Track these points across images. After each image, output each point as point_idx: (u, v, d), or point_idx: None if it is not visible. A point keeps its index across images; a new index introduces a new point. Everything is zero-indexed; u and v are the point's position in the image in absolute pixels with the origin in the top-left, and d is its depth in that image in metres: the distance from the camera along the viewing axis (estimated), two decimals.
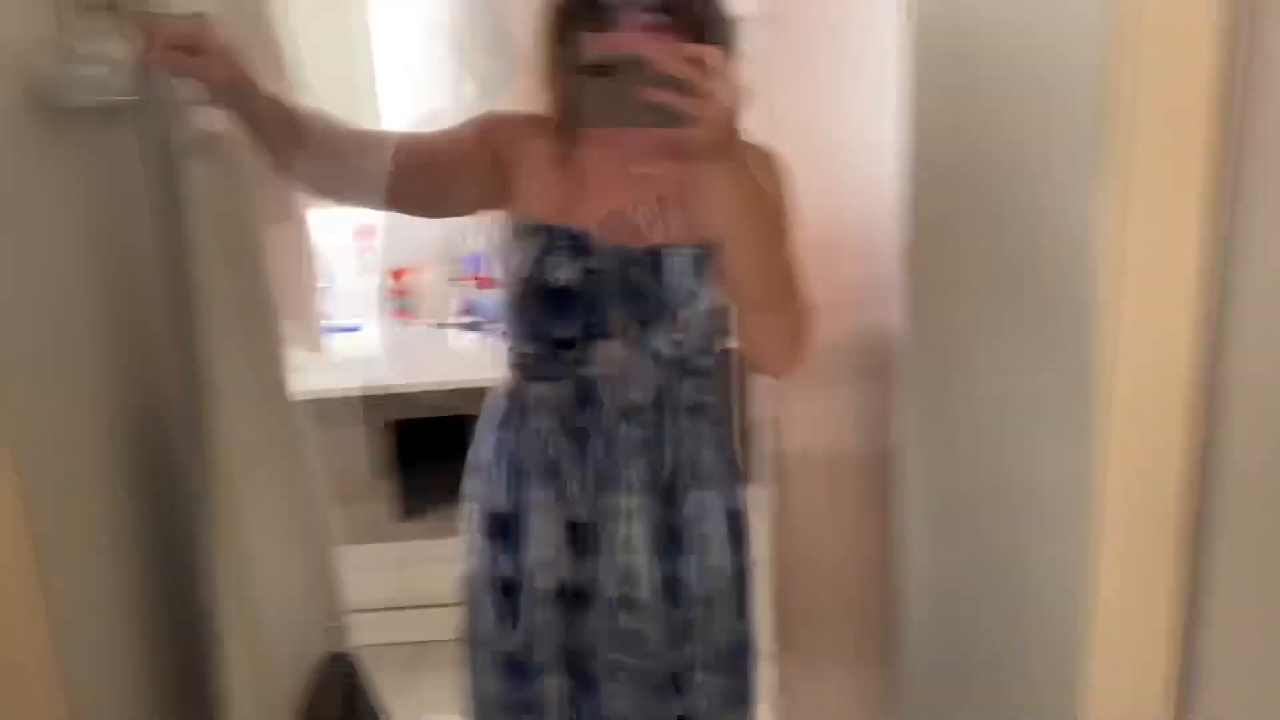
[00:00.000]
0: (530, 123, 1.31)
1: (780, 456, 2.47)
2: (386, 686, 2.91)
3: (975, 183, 1.09)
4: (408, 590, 3.05)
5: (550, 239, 1.26)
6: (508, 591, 1.32)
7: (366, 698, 1.23)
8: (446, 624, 3.05)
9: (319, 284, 1.57)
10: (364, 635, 3.00)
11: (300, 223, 1.42)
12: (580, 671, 1.32)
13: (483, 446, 1.36)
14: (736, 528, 1.35)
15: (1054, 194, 0.88)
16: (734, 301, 1.23)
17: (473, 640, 1.39)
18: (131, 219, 1.07)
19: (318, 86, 1.45)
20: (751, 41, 2.34)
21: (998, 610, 1.12)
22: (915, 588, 1.39)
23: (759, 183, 1.16)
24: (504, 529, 1.32)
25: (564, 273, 1.24)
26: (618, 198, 1.29)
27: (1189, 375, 0.80)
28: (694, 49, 1.06)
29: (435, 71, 2.91)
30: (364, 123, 1.23)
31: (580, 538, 1.29)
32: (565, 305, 1.25)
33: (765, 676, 2.52)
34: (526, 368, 1.31)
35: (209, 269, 1.00)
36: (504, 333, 1.33)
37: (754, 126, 1.14)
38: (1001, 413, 1.06)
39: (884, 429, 1.71)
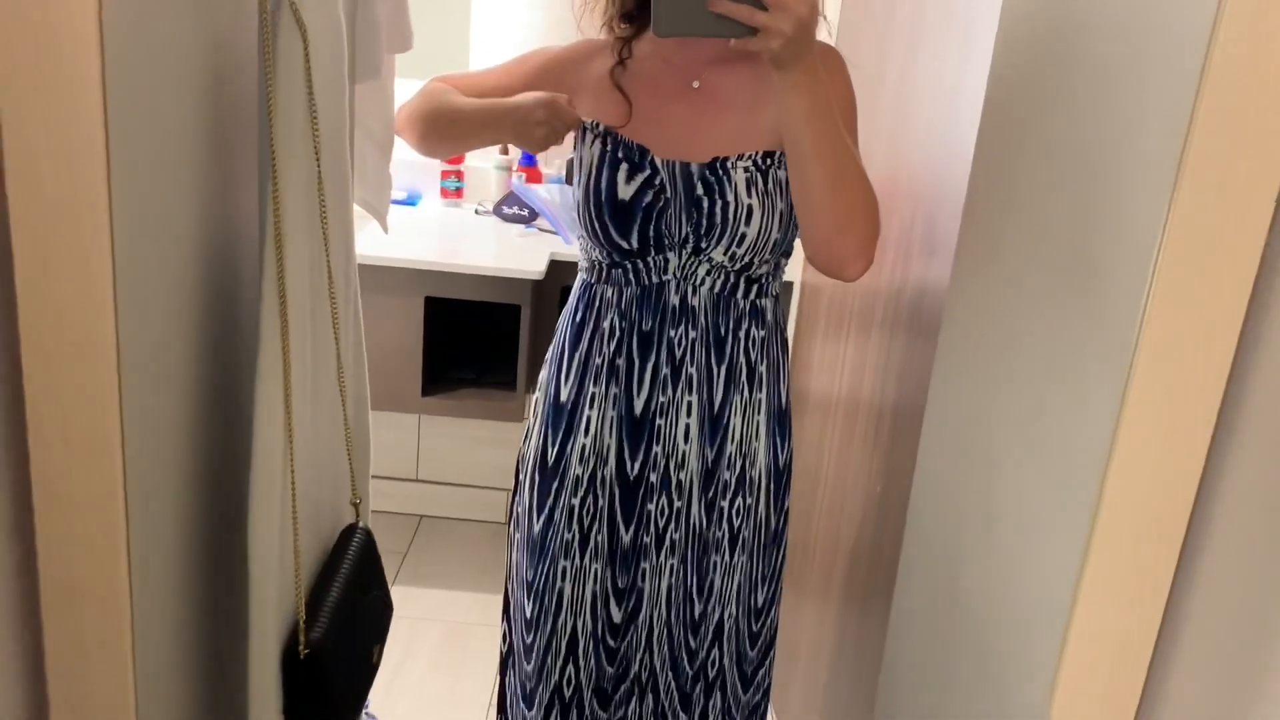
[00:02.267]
0: (583, 49, 1.39)
1: (797, 395, 2.51)
2: (384, 549, 3.00)
3: (1044, 140, 1.09)
4: (414, 463, 3.12)
5: (613, 151, 1.31)
6: (550, 478, 1.41)
7: (378, 573, 1.28)
8: (446, 501, 3.14)
9: (392, 152, 1.59)
10: (371, 500, 3.08)
11: (387, 82, 1.43)
12: (616, 553, 1.41)
13: (558, 342, 1.43)
14: (782, 425, 1.44)
15: (1126, 170, 0.89)
16: (804, 202, 1.28)
17: (515, 520, 1.49)
18: (243, 63, 1.09)
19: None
20: None
21: (987, 570, 1.16)
22: (915, 536, 1.44)
23: (826, 85, 1.20)
24: (558, 419, 1.40)
25: (625, 188, 1.30)
26: (677, 113, 1.34)
27: (1221, 383, 0.81)
28: None
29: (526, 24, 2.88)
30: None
31: (635, 431, 1.37)
32: (627, 218, 1.31)
33: None
34: (597, 271, 1.38)
35: (291, 119, 1.02)
36: (579, 237, 1.40)
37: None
38: (1030, 382, 1.09)
39: (901, 379, 1.74)
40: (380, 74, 1.45)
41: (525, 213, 2.88)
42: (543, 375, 1.46)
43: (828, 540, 2.12)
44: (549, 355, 1.46)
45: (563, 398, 1.40)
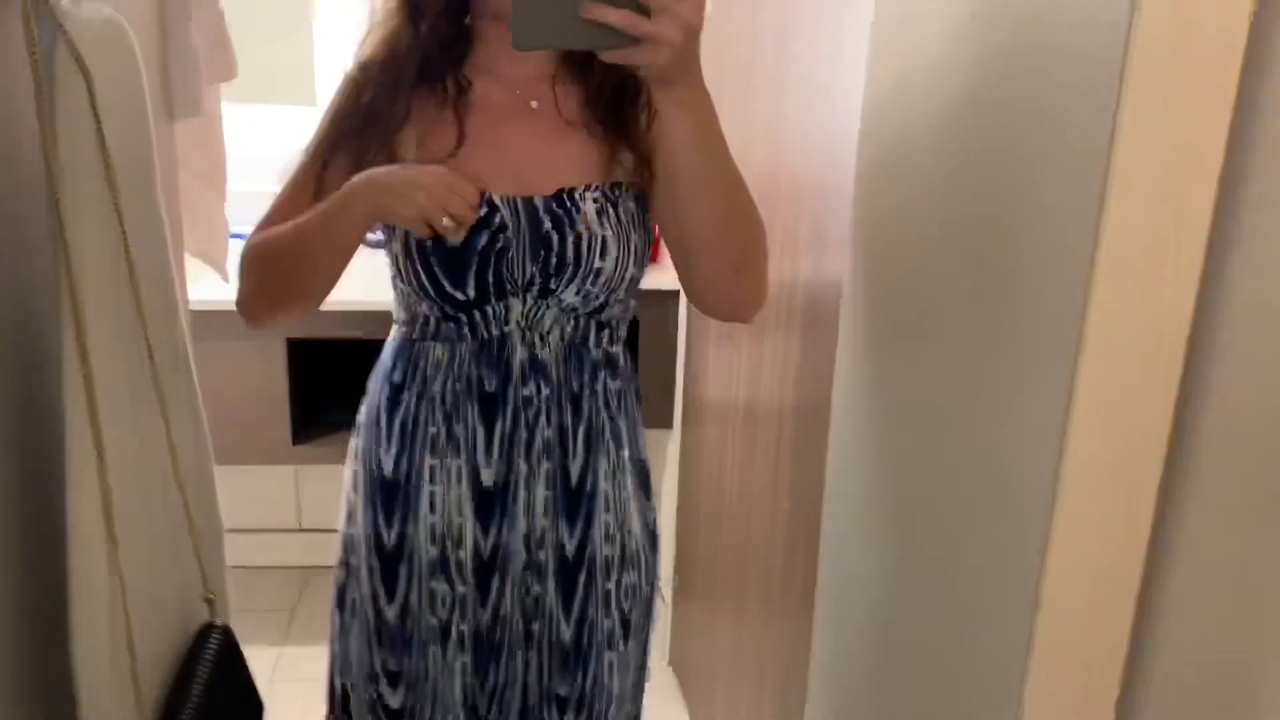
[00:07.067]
0: None
1: (694, 404, 2.43)
2: (271, 608, 2.81)
3: (939, 125, 1.02)
4: (295, 513, 2.94)
5: None
6: (394, 561, 1.22)
7: (240, 673, 1.13)
8: (334, 548, 2.96)
9: (226, 190, 1.44)
10: (252, 556, 2.89)
11: (213, 116, 1.28)
12: (481, 642, 1.23)
13: (372, 405, 1.24)
14: (647, 486, 1.29)
15: (1043, 153, 0.81)
16: (693, 239, 1.12)
17: (349, 606, 1.28)
18: (17, 114, 0.93)
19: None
20: None
21: (926, 578, 1.09)
22: (833, 540, 1.36)
23: (712, 101, 1.05)
24: (390, 496, 1.21)
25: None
26: (514, 137, 1.17)
27: (1174, 368, 0.74)
28: None
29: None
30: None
31: (486, 507, 1.19)
32: (461, 267, 1.13)
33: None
34: (421, 326, 1.19)
35: (78, 178, 0.87)
36: (394, 290, 1.22)
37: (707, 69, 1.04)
38: (951, 381, 1.02)
39: (800, 382, 1.67)
40: (203, 108, 1.30)
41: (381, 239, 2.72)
42: (355, 443, 1.26)
43: (736, 552, 2.04)
44: (360, 419, 1.26)
45: (388, 472, 1.21)
